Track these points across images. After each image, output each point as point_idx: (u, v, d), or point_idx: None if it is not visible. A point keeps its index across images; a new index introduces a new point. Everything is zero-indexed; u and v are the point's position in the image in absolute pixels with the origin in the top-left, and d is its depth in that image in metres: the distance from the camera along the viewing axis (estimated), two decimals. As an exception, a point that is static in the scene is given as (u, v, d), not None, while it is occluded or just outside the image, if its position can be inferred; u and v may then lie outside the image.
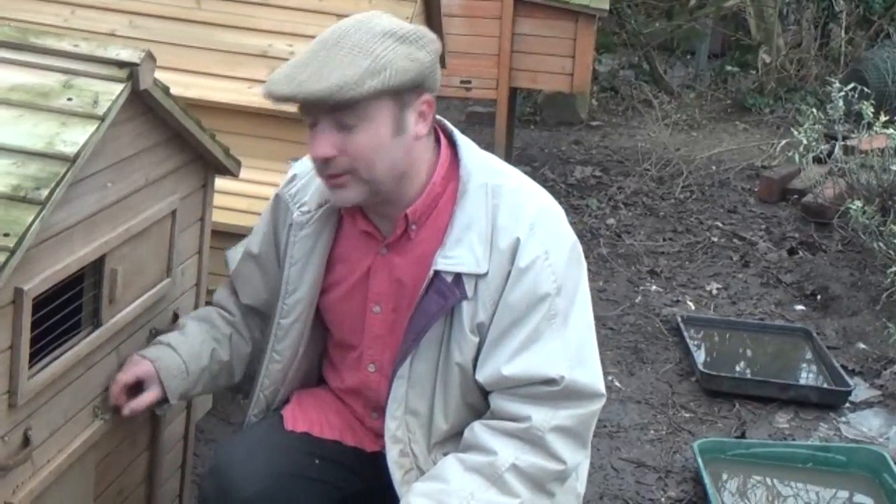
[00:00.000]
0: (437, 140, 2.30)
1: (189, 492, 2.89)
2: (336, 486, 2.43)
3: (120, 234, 2.26)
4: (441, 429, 2.30)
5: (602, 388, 2.27)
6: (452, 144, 2.32)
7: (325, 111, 2.14)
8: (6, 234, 1.85)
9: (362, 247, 2.34)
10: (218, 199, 2.82)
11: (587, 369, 2.24)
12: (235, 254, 2.57)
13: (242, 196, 3.49)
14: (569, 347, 2.22)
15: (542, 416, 2.19)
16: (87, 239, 2.15)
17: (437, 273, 2.21)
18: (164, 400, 2.40)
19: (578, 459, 2.27)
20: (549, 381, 2.19)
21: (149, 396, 2.38)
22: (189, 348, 2.43)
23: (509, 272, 2.20)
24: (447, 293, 2.20)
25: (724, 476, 3.68)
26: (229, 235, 3.18)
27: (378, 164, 2.18)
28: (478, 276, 2.21)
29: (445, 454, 2.27)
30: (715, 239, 6.02)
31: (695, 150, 7.63)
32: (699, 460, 3.57)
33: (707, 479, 3.47)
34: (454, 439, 2.30)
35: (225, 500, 2.31)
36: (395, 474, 2.30)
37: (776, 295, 5.32)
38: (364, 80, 2.09)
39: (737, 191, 6.91)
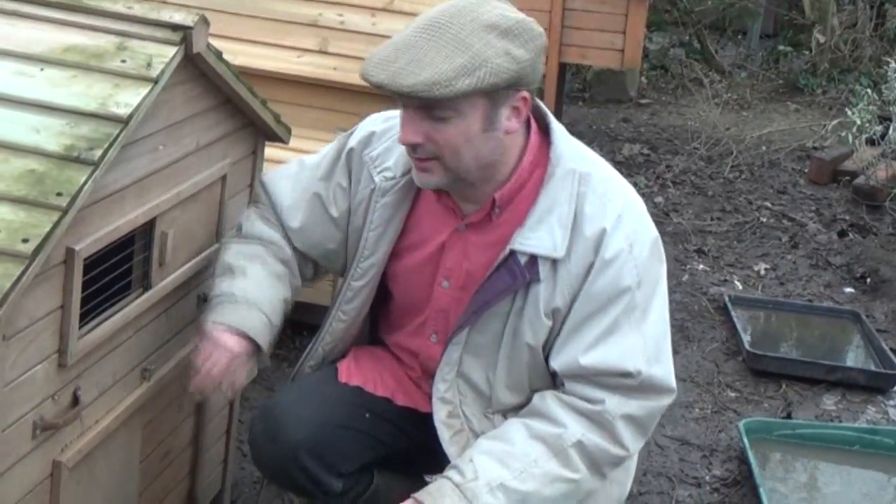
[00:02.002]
0: (528, 123, 2.26)
1: (234, 458, 2.91)
2: (382, 442, 2.45)
3: (171, 197, 2.27)
4: (502, 401, 2.32)
5: (674, 384, 2.29)
6: (543, 127, 2.29)
7: (416, 104, 2.12)
8: (59, 194, 1.86)
9: (440, 218, 2.33)
10: (266, 168, 2.82)
11: (662, 365, 2.26)
12: (280, 188, 2.47)
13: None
14: (647, 342, 2.22)
15: (614, 403, 2.21)
16: (138, 201, 2.16)
17: (512, 252, 2.20)
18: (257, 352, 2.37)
19: (638, 448, 2.30)
20: (626, 375, 2.21)
21: (242, 373, 2.34)
22: (264, 296, 2.36)
23: (592, 262, 2.19)
24: (517, 274, 2.20)
25: (770, 456, 3.65)
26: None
27: (464, 156, 2.16)
28: (555, 261, 2.20)
29: (505, 416, 2.28)
30: (764, 219, 5.96)
31: (745, 130, 7.55)
32: (745, 440, 3.55)
33: (753, 459, 3.44)
34: (515, 409, 2.31)
35: (273, 443, 2.34)
36: (443, 434, 2.32)
37: (825, 277, 5.27)
38: (457, 78, 2.05)
39: (787, 171, 6.84)
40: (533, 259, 2.20)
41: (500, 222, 2.26)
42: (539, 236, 2.19)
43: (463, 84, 2.05)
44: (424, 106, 2.11)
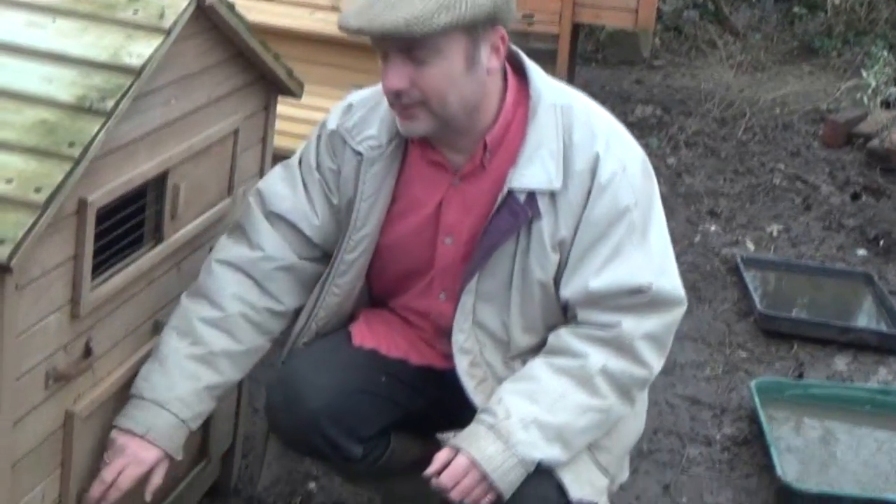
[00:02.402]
0: (504, 66, 2.28)
1: (245, 412, 2.92)
2: (400, 404, 2.45)
3: (183, 150, 2.27)
4: (520, 344, 2.32)
5: (684, 294, 2.32)
6: (517, 68, 2.30)
7: (397, 46, 2.12)
8: (71, 144, 1.85)
9: (432, 178, 2.32)
10: (278, 125, 2.81)
11: (669, 277, 2.29)
12: (274, 194, 2.37)
13: (303, 122, 3.48)
14: (652, 258, 2.26)
15: (630, 324, 2.23)
16: (150, 153, 2.16)
17: (510, 192, 2.21)
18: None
19: (660, 366, 2.32)
20: (637, 291, 2.23)
21: (159, 474, 2.24)
22: (174, 394, 2.24)
23: (590, 189, 2.22)
24: (519, 212, 2.21)
25: (781, 416, 3.65)
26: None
27: (450, 98, 2.16)
28: (553, 193, 2.21)
29: (525, 362, 2.29)
30: (777, 181, 5.93)
31: (759, 92, 7.50)
32: (756, 399, 3.55)
33: (764, 418, 3.45)
34: (534, 352, 2.31)
35: (291, 412, 2.34)
36: (468, 384, 2.32)
37: (838, 239, 5.25)
38: (436, 14, 2.06)
39: (800, 134, 6.80)
40: (531, 195, 2.21)
41: (493, 167, 2.27)
42: (533, 172, 2.21)
43: (442, 19, 2.06)
44: (406, 49, 2.11)
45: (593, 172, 2.22)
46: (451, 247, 2.33)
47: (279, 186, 2.39)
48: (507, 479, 2.17)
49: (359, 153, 2.31)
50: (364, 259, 2.37)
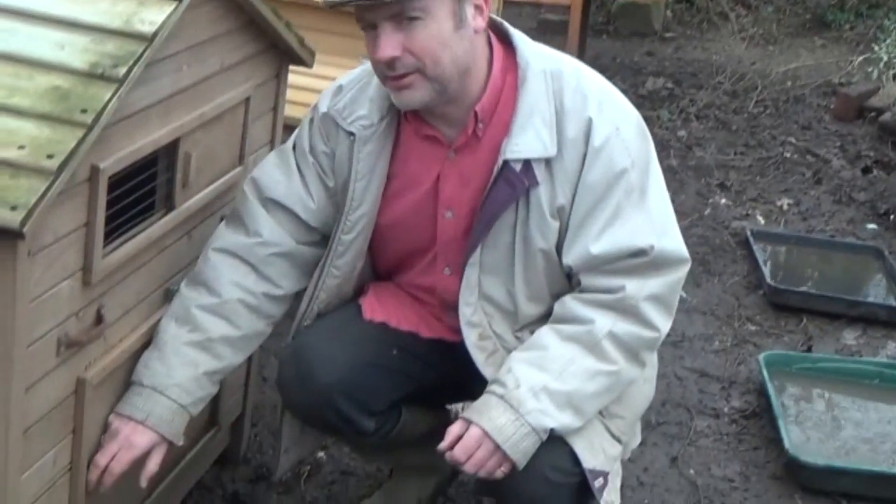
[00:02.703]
0: (487, 35, 2.27)
1: (254, 382, 2.93)
2: (411, 378, 2.45)
3: (194, 118, 2.26)
4: (527, 314, 2.32)
5: (686, 253, 2.30)
6: (502, 38, 2.29)
7: (385, 14, 2.11)
8: (84, 111, 1.85)
9: (427, 153, 2.31)
10: (290, 94, 2.81)
11: (671, 237, 2.28)
12: (269, 179, 2.36)
13: (314, 91, 3.47)
14: (652, 218, 2.25)
15: (634, 286, 2.22)
16: (162, 121, 2.15)
17: (505, 162, 2.20)
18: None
19: (668, 327, 2.31)
20: (639, 253, 2.22)
21: (155, 460, 2.24)
22: (173, 380, 2.25)
23: (584, 153, 2.20)
24: (515, 182, 2.20)
25: (789, 389, 3.65)
26: (300, 130, 3.18)
27: (443, 58, 2.15)
28: (549, 160, 2.20)
29: (533, 332, 2.29)
30: (787, 155, 5.92)
31: (770, 65, 7.48)
32: (764, 372, 3.55)
33: (772, 391, 3.45)
34: (542, 321, 2.31)
35: (304, 387, 2.35)
36: (477, 357, 2.32)
37: (848, 213, 5.24)
38: None
39: (812, 107, 6.78)
40: (527, 164, 2.20)
41: (486, 138, 2.25)
42: (527, 140, 2.19)
43: None
44: (394, 15, 2.10)
45: (587, 137, 2.20)
46: (451, 220, 2.33)
47: (274, 172, 2.37)
48: (520, 448, 2.17)
49: (351, 133, 2.30)
50: (362, 239, 2.36)
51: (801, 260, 4.75)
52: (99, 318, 2.08)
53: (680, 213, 4.96)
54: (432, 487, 2.80)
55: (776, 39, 8.41)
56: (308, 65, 2.69)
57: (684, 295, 4.23)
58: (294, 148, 2.39)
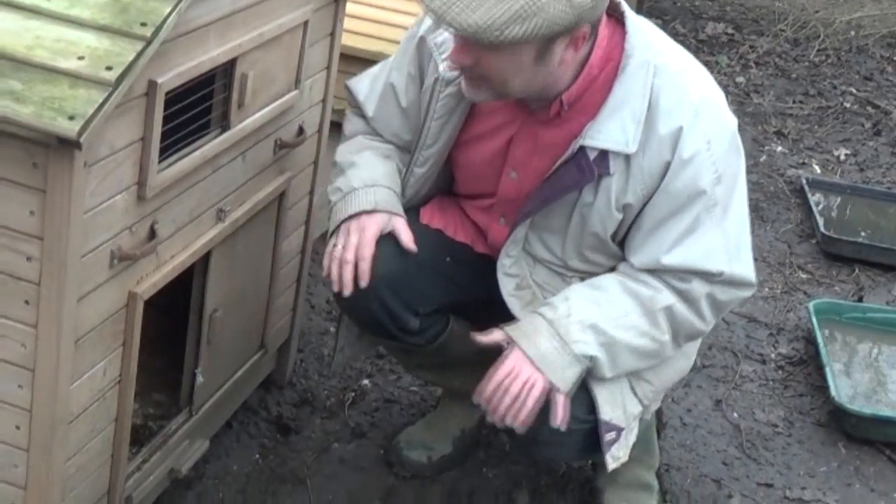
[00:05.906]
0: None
1: (302, 308, 2.95)
2: (461, 287, 2.47)
3: (252, 38, 2.26)
4: (574, 268, 2.34)
5: (754, 278, 2.31)
6: (616, 15, 2.21)
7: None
8: (143, 24, 1.85)
9: (510, 108, 2.29)
10: (347, 24, 2.79)
11: (743, 261, 2.27)
12: (360, 85, 2.53)
13: (372, 21, 3.46)
14: (728, 240, 2.22)
15: (699, 285, 2.23)
16: (220, 40, 2.15)
17: (581, 147, 2.16)
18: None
19: (712, 326, 2.35)
20: (707, 275, 2.22)
21: (404, 230, 2.36)
22: (379, 173, 2.40)
23: (669, 162, 2.15)
24: (586, 169, 2.16)
25: (837, 338, 3.62)
26: (356, 59, 3.17)
27: (513, 84, 2.13)
28: (628, 156, 2.16)
29: (583, 279, 2.31)
30: (847, 105, 5.83)
31: (834, 14, 7.34)
32: (814, 320, 3.52)
33: (820, 339, 3.43)
34: (592, 276, 2.33)
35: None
36: (513, 306, 2.34)
37: (906, 165, 5.16)
38: (508, 25, 1.97)
39: (874, 58, 6.66)
40: (603, 154, 2.16)
41: (571, 117, 2.22)
42: (610, 130, 2.15)
43: (513, 32, 1.98)
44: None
45: (674, 145, 2.14)
46: (515, 182, 2.33)
47: (364, 81, 2.51)
48: (564, 376, 2.19)
49: (437, 71, 2.30)
50: (432, 175, 2.40)
51: (856, 210, 4.69)
52: (152, 234, 2.10)
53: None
54: (477, 419, 2.82)
55: (841, -12, 8.25)
56: (366, -8, 2.68)
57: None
58: (389, 61, 2.46)
